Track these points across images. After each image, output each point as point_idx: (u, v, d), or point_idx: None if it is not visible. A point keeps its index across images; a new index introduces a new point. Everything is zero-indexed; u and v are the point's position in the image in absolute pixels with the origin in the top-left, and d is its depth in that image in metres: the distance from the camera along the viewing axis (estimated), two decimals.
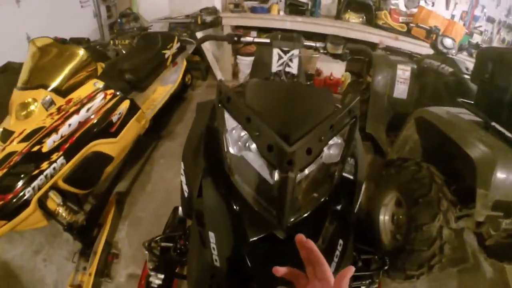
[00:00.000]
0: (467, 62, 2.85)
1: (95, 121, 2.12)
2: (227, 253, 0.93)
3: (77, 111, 2.05)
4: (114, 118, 2.27)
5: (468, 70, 2.54)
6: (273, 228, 0.91)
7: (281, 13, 4.32)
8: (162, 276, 1.37)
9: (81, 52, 2.26)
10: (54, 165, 1.83)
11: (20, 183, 1.70)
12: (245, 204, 0.93)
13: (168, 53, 3.36)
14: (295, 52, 1.49)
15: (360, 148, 1.24)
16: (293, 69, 1.52)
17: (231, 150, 0.94)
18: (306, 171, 0.90)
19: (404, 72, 2.81)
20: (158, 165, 2.96)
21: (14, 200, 1.67)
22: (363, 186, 1.18)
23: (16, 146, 1.80)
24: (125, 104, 2.39)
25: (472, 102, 1.90)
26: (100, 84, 2.29)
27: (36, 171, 1.75)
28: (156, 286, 1.38)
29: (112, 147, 2.25)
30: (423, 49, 3.68)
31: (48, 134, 1.88)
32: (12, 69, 2.63)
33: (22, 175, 1.71)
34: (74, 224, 1.89)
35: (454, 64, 2.66)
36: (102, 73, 2.45)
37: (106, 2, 4.67)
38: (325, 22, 4.18)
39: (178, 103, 3.92)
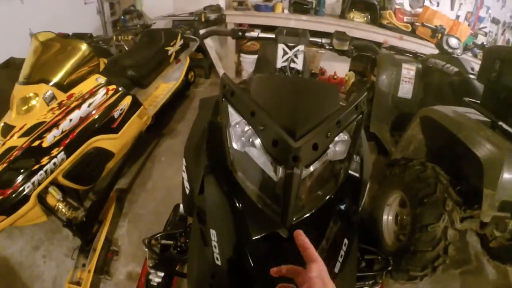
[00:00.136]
0: (473, 63, 2.82)
1: (96, 116, 2.11)
2: (228, 252, 0.90)
3: (78, 106, 2.04)
4: (116, 114, 2.25)
5: (474, 70, 2.51)
6: (277, 227, 0.88)
7: (285, 11, 4.32)
8: (162, 274, 1.36)
9: (84, 47, 2.24)
10: (54, 160, 1.81)
11: (20, 178, 1.68)
12: (248, 201, 0.91)
13: (171, 50, 3.35)
14: (301, 47, 1.47)
15: (366, 146, 1.22)
16: (298, 65, 1.49)
17: (235, 146, 0.92)
18: (311, 168, 0.87)
19: (409, 71, 2.78)
20: (159, 162, 2.95)
21: (14, 195, 1.66)
22: (368, 185, 1.16)
23: (16, 140, 1.78)
24: (127, 100, 2.38)
25: (478, 102, 1.87)
26: (102, 80, 2.27)
27: (36, 166, 1.74)
28: (155, 284, 1.36)
29: (113, 143, 2.23)
30: (428, 49, 3.66)
31: (48, 129, 1.86)
32: (15, 64, 2.63)
33: (22, 170, 1.70)
34: (74, 220, 1.88)
35: (459, 63, 2.63)
36: (104, 68, 2.44)
37: None
38: (330, 21, 4.15)
39: (180, 101, 3.92)
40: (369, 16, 4.29)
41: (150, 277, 1.37)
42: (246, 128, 0.90)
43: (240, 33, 1.57)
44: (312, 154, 0.81)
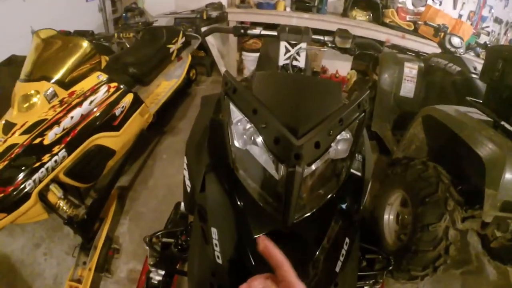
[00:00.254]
0: (475, 62, 2.81)
1: (97, 114, 2.11)
2: (229, 250, 0.90)
3: (79, 104, 2.04)
4: (117, 111, 2.25)
5: (476, 70, 2.50)
6: (278, 225, 0.88)
7: (288, 9, 4.30)
8: (162, 272, 1.35)
9: (85, 44, 2.24)
10: (56, 158, 1.81)
11: (21, 176, 1.68)
12: (249, 199, 0.90)
13: (173, 47, 3.34)
14: (303, 45, 1.46)
15: (367, 144, 1.21)
16: (300, 63, 1.49)
17: (236, 144, 0.91)
18: (313, 167, 0.87)
19: (411, 70, 2.77)
20: (160, 160, 2.95)
21: (15, 193, 1.66)
22: (369, 184, 1.15)
23: (17, 138, 1.78)
24: (129, 98, 2.38)
25: (481, 101, 1.86)
26: (104, 77, 2.27)
27: (37, 164, 1.74)
28: (156, 282, 1.36)
29: (114, 140, 2.23)
30: (430, 48, 3.65)
31: (50, 127, 1.86)
32: (16, 62, 2.63)
33: (23, 168, 1.70)
34: (75, 218, 1.88)
35: (462, 63, 2.61)
36: (106, 66, 2.43)
37: None
38: (332, 19, 4.14)
39: (182, 98, 3.91)
40: (371, 15, 4.28)
41: (151, 275, 1.36)
42: (248, 125, 0.89)
43: (242, 31, 1.56)
44: (314, 153, 0.80)
